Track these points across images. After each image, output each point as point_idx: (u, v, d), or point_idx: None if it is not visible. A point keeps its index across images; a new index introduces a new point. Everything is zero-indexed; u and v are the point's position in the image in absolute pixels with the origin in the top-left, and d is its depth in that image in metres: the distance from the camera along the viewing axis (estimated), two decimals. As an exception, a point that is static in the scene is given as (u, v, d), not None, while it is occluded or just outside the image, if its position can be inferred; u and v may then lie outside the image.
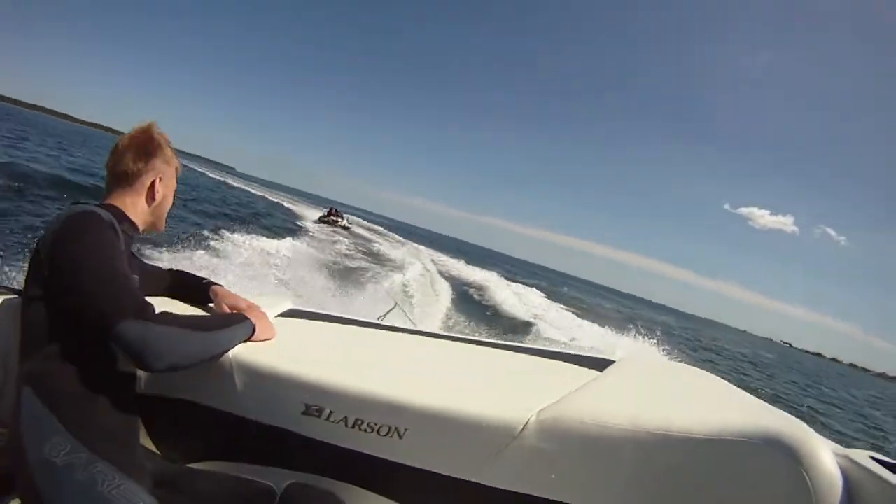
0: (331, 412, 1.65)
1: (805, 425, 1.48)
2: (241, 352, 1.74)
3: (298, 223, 32.43)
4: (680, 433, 1.43)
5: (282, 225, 27.53)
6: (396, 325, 2.57)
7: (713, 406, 1.69)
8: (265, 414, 1.72)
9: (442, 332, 2.51)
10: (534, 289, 33.24)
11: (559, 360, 2.27)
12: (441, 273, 25.09)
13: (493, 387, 1.85)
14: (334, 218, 38.31)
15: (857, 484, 1.31)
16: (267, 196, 61.16)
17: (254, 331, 1.77)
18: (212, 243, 11.90)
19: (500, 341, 2.59)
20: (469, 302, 18.67)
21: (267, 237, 15.45)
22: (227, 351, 1.67)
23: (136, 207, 1.74)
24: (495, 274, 33.90)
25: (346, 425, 1.64)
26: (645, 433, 1.46)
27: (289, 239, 17.42)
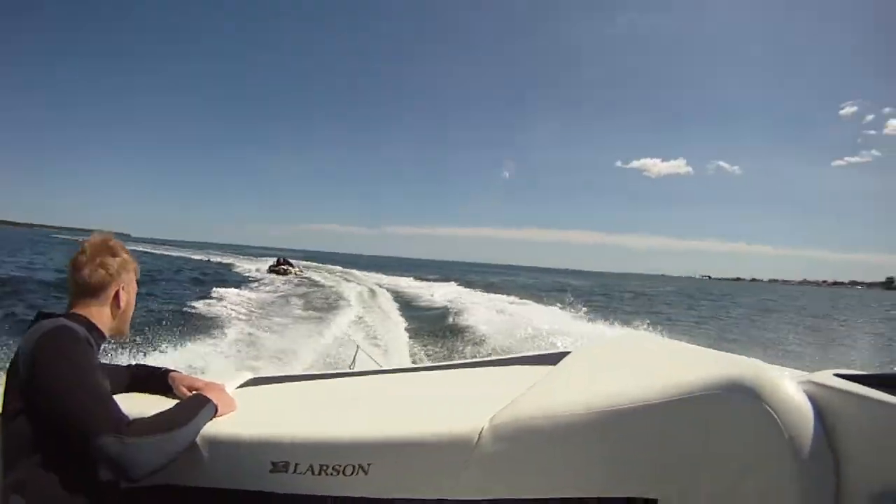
0: (296, 464, 1.68)
1: (760, 362, 1.53)
2: (207, 427, 1.78)
3: (246, 275, 33.23)
4: (638, 404, 1.43)
5: (232, 279, 28.43)
6: (357, 368, 2.69)
7: (667, 369, 1.72)
8: (236, 480, 1.76)
9: (396, 367, 2.60)
10: (476, 290, 33.47)
11: (512, 364, 2.40)
12: (391, 295, 26.38)
13: (447, 405, 1.92)
14: (284, 267, 38.67)
15: (825, 404, 1.31)
16: (192, 256, 61.91)
17: (216, 409, 1.81)
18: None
19: (453, 362, 2.80)
20: (425, 320, 18.81)
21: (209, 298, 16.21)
22: (195, 437, 1.71)
23: (102, 316, 1.80)
24: (454, 284, 36.64)
25: (313, 473, 1.67)
26: (601, 413, 1.46)
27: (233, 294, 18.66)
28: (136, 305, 1.94)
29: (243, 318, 15.35)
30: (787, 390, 1.31)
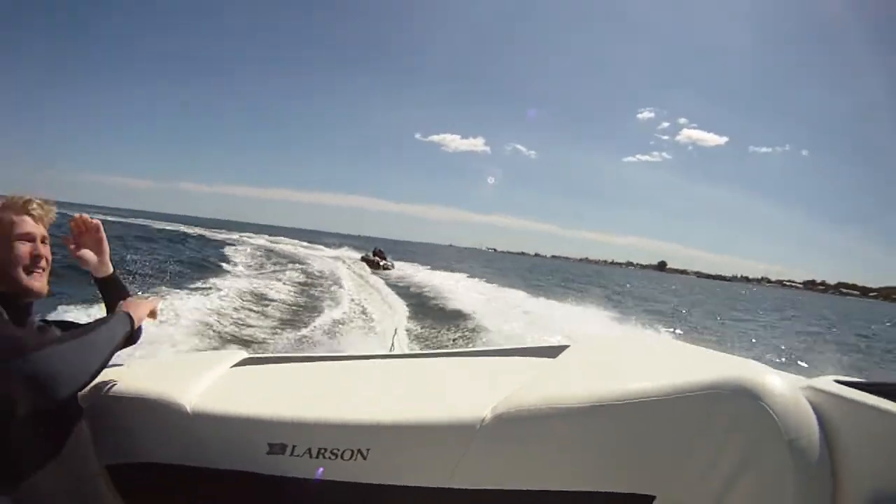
0: (294, 447, 1.70)
1: (762, 365, 1.61)
2: (199, 403, 1.81)
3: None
4: (638, 399, 1.47)
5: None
6: (355, 353, 2.93)
7: (669, 367, 1.77)
8: (231, 461, 1.77)
9: (398, 352, 2.84)
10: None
11: (513, 355, 2.42)
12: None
13: (448, 393, 1.96)
14: (377, 259, 36.75)
15: (824, 409, 1.37)
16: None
17: (131, 318, 1.74)
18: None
19: (454, 350, 3.08)
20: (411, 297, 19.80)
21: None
22: (114, 349, 1.62)
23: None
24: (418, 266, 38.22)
25: (311, 456, 1.69)
26: (601, 407, 1.49)
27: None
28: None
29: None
30: (788, 394, 1.36)
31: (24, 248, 1.65)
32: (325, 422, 1.72)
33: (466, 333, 13.46)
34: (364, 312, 15.14)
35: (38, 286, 1.67)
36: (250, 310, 13.47)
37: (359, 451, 1.66)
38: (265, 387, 2.11)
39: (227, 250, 33.91)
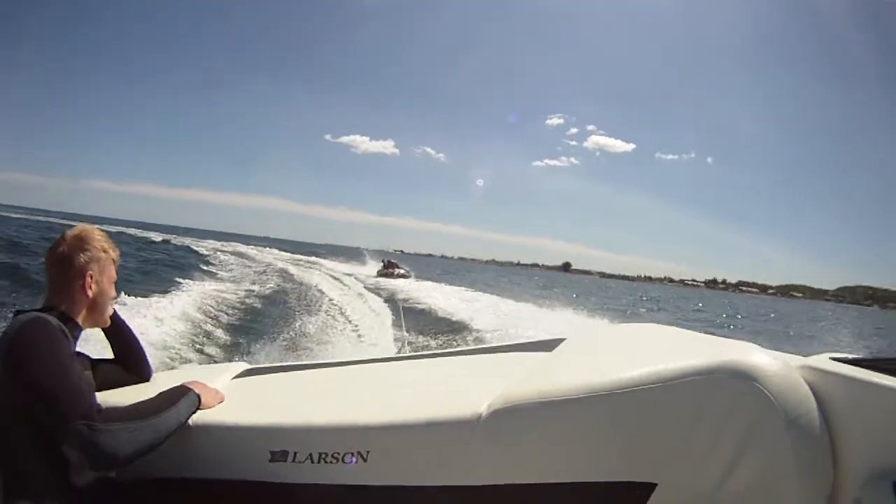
0: (295, 453, 1.72)
1: (756, 346, 1.59)
2: (202, 417, 1.84)
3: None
4: (635, 388, 1.47)
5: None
6: (348, 359, 2.88)
7: (664, 354, 1.73)
8: (235, 471, 1.80)
9: (391, 355, 2.79)
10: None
11: (507, 351, 2.48)
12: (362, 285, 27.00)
13: (445, 392, 1.98)
14: (390, 270, 37.92)
15: (821, 387, 1.40)
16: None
17: (200, 400, 1.85)
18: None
19: (449, 349, 2.97)
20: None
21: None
22: (176, 429, 1.72)
23: (75, 306, 1.85)
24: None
25: (312, 461, 1.71)
26: (599, 397, 1.50)
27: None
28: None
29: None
30: (784, 373, 1.38)
31: (114, 290, 2.00)
32: (324, 426, 1.75)
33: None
34: (350, 320, 15.32)
35: (108, 320, 2.03)
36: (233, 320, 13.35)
37: (359, 453, 1.68)
38: (266, 396, 2.17)
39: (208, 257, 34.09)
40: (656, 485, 1.49)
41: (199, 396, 1.85)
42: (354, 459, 1.69)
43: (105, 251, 1.93)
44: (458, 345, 11.87)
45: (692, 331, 2.28)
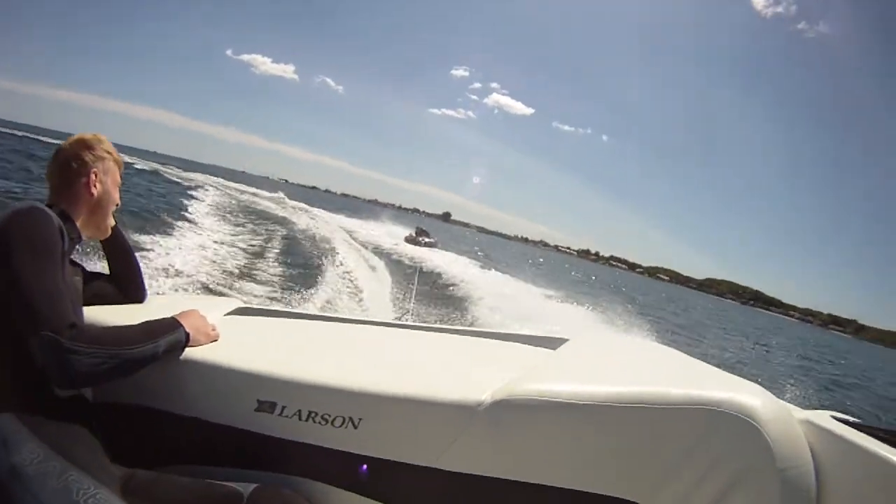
0: (283, 407, 1.66)
1: (763, 389, 1.57)
2: (191, 352, 1.75)
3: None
4: (640, 404, 1.47)
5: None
6: (349, 316, 2.73)
7: (670, 376, 1.77)
8: (219, 414, 1.73)
9: (395, 321, 2.60)
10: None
11: (512, 341, 2.37)
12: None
13: (446, 371, 1.89)
14: (420, 238, 37.23)
15: (819, 444, 1.42)
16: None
17: (188, 337, 1.75)
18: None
19: (452, 326, 2.91)
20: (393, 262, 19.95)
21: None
22: (153, 360, 1.62)
23: (77, 205, 1.79)
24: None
25: (300, 419, 1.65)
26: (601, 406, 1.49)
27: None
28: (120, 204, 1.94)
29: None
30: (786, 422, 1.40)
31: (118, 196, 1.93)
32: (318, 384, 1.67)
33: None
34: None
35: (109, 229, 1.94)
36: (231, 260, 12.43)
37: (350, 419, 1.63)
38: (258, 340, 2.05)
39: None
40: None
41: (187, 335, 1.74)
42: (344, 424, 1.62)
43: (109, 153, 1.89)
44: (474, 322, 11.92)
45: (701, 361, 2.11)
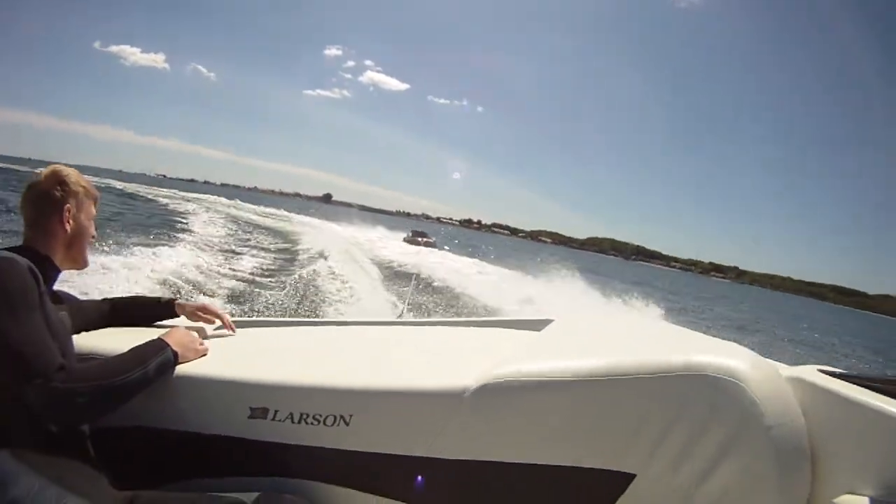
0: (276, 411, 1.70)
1: (748, 350, 1.62)
2: (182, 368, 1.79)
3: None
4: (625, 376, 1.52)
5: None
6: (334, 319, 3.03)
7: (655, 346, 1.81)
8: (214, 425, 1.76)
9: (380, 319, 2.93)
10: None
11: (497, 327, 2.55)
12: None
13: (433, 362, 2.00)
14: (420, 238, 39.95)
15: (807, 399, 1.45)
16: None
17: (176, 356, 1.79)
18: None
19: (438, 319, 3.20)
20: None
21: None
22: (146, 386, 1.67)
23: (52, 243, 1.78)
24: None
25: (293, 421, 1.69)
26: (587, 381, 1.54)
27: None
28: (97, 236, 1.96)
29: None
30: (772, 380, 1.44)
31: (93, 228, 1.93)
32: (307, 386, 1.73)
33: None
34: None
35: (87, 262, 1.93)
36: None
37: (341, 416, 1.68)
38: (247, 350, 2.13)
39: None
40: (635, 475, 1.51)
41: (175, 355, 1.79)
42: (336, 422, 1.68)
43: (83, 187, 1.88)
44: (455, 312, 12.18)
45: (685, 328, 2.27)
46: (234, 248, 17.71)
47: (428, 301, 13.76)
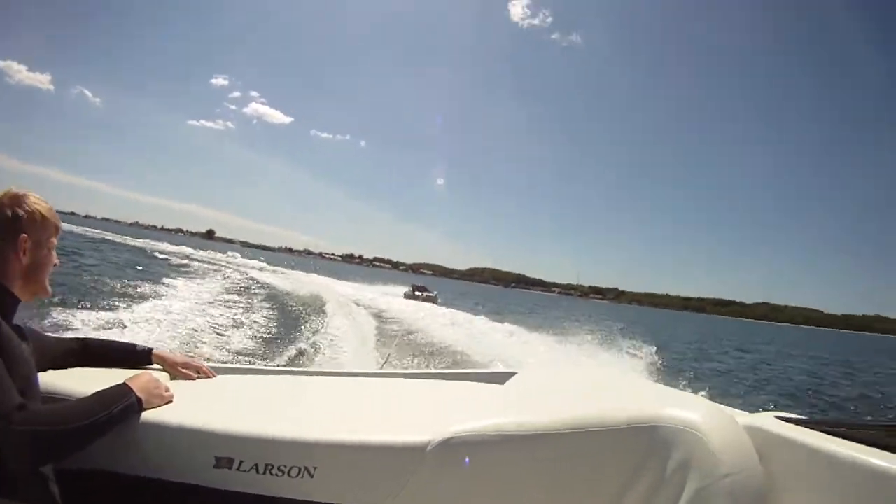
0: (241, 462, 1.69)
1: (704, 399, 1.69)
2: (148, 414, 1.77)
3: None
4: (584, 429, 1.56)
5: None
6: (301, 368, 3.23)
7: (614, 398, 1.87)
8: (179, 473, 1.74)
9: (351, 370, 3.00)
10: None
11: (462, 380, 2.63)
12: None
13: (397, 415, 2.04)
14: (419, 293, 38.06)
15: (765, 446, 1.47)
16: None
17: (140, 402, 1.76)
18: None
19: (405, 371, 3.55)
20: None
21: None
22: (108, 431, 1.65)
23: (8, 275, 1.73)
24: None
25: (258, 472, 1.68)
26: (547, 435, 1.59)
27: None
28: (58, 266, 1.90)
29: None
30: (729, 429, 1.45)
31: (54, 257, 1.86)
32: (272, 437, 1.71)
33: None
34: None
35: (49, 291, 1.87)
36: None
37: (306, 468, 1.68)
38: (217, 397, 2.15)
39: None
40: None
41: (140, 401, 1.76)
42: (301, 474, 1.69)
43: (41, 213, 1.80)
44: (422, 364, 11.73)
45: (644, 379, 2.69)
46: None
47: (407, 351, 13.10)
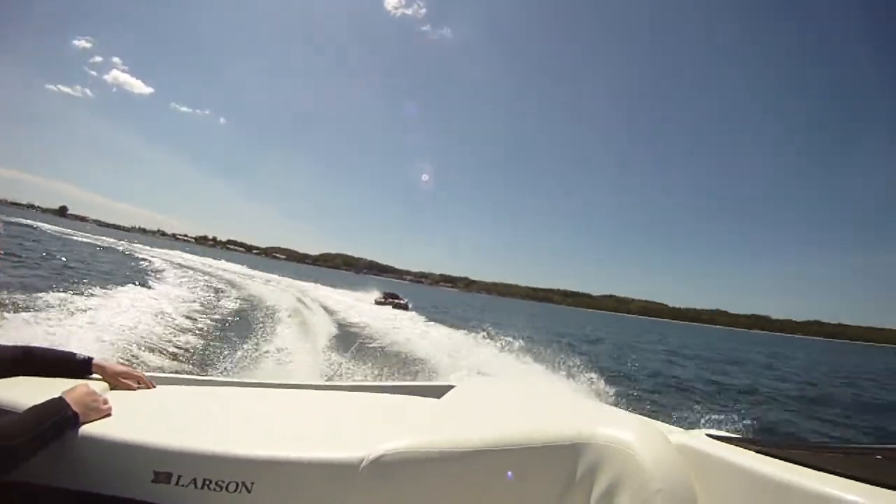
0: (179, 476, 1.68)
1: (640, 418, 1.74)
2: (86, 427, 1.77)
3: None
4: (517, 446, 1.60)
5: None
6: (242, 380, 3.04)
7: (548, 414, 1.92)
8: (117, 488, 1.72)
9: (293, 382, 2.97)
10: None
11: (401, 393, 2.66)
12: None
13: (336, 428, 2.05)
14: (392, 300, 37.04)
15: (696, 464, 1.52)
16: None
17: (76, 416, 1.75)
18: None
19: (347, 383, 3.41)
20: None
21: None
22: (42, 448, 1.65)
23: None
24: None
25: (196, 487, 1.68)
26: (479, 452, 1.63)
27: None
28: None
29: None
30: (661, 447, 1.50)
31: None
32: (211, 452, 1.71)
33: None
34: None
35: None
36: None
37: (244, 483, 1.67)
38: (154, 410, 2.12)
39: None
40: None
41: (75, 416, 1.75)
42: (238, 489, 1.68)
43: None
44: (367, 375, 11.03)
45: (579, 395, 2.77)
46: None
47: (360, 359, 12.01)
